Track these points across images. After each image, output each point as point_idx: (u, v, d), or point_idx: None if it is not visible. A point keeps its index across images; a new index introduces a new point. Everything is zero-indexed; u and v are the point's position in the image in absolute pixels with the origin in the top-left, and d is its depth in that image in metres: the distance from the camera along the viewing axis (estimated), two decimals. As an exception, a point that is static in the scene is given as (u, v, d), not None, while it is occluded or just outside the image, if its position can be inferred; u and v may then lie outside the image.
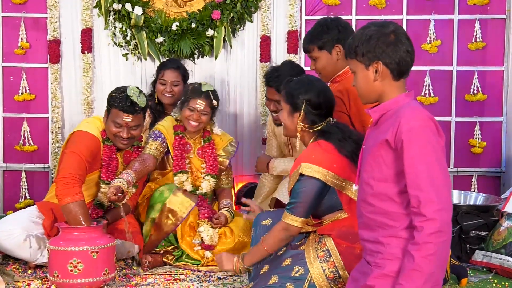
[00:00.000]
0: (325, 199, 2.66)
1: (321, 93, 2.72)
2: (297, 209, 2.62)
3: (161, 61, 4.36)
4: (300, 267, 2.65)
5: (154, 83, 4.07)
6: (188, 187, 3.52)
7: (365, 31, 2.16)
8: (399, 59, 2.12)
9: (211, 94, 3.50)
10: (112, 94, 3.28)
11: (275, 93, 3.50)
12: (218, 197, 3.72)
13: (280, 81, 3.45)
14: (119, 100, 3.20)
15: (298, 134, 2.72)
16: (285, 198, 3.45)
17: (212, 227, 3.43)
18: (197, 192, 3.56)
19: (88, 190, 3.31)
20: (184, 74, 4.04)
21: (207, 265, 3.37)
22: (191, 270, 3.31)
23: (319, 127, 2.71)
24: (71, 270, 2.82)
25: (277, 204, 3.42)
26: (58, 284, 2.88)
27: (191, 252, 3.36)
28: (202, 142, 3.61)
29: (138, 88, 3.32)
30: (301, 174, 2.61)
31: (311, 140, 2.73)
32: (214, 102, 3.49)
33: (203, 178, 3.58)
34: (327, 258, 2.63)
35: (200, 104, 3.47)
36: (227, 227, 3.48)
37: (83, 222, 2.98)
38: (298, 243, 2.78)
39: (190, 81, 4.56)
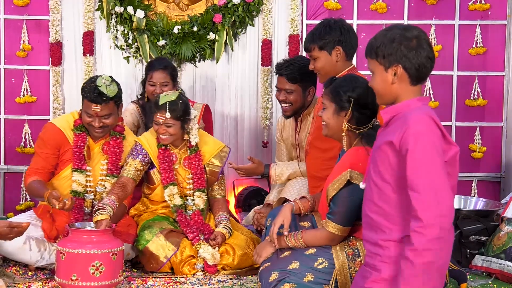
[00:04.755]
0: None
1: (369, 91, 2.58)
2: (342, 217, 2.58)
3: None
4: (324, 260, 2.62)
5: (143, 82, 4.03)
6: (178, 200, 3.44)
7: (388, 33, 2.16)
8: (419, 65, 2.13)
9: (167, 106, 3.33)
10: (83, 84, 3.38)
11: (286, 82, 3.55)
12: (212, 209, 3.62)
13: (291, 69, 3.51)
14: (88, 90, 3.29)
15: (343, 134, 2.63)
16: (293, 198, 3.45)
17: (212, 246, 3.33)
18: (187, 204, 3.47)
19: (68, 189, 3.37)
20: (172, 73, 3.97)
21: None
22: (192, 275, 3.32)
23: (366, 129, 2.62)
24: (93, 273, 2.79)
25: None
26: None
27: (190, 275, 3.29)
28: (189, 152, 3.50)
29: (111, 77, 3.36)
30: (349, 182, 2.55)
31: (355, 142, 2.64)
32: (168, 114, 3.33)
33: (193, 195, 3.49)
34: (356, 258, 2.60)
35: (160, 117, 3.35)
36: (227, 244, 3.37)
37: (42, 190, 3.17)
38: None
39: (189, 83, 4.59)
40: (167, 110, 3.33)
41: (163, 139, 3.40)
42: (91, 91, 3.28)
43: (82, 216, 3.34)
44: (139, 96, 4.11)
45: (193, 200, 3.49)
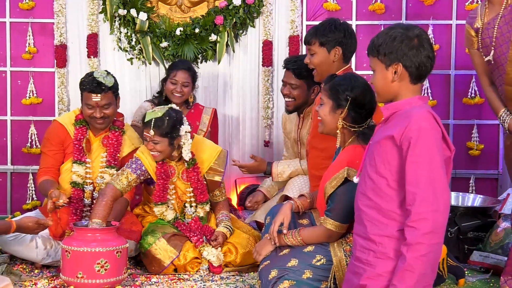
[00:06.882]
0: None
1: (367, 92, 2.65)
2: (340, 214, 2.61)
3: (165, 65, 4.47)
4: (322, 256, 2.65)
5: (164, 81, 4.16)
6: (170, 216, 3.42)
7: (390, 31, 2.19)
8: (419, 64, 2.17)
9: (151, 123, 3.21)
10: (81, 80, 3.49)
11: (292, 77, 3.62)
12: (214, 209, 3.60)
13: (298, 65, 3.57)
14: (87, 83, 3.42)
15: (338, 131, 2.67)
16: (294, 195, 3.48)
17: (214, 246, 3.34)
18: (186, 213, 3.46)
19: (69, 182, 3.48)
20: (193, 76, 4.14)
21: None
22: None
23: (361, 128, 2.67)
24: (98, 270, 2.84)
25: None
26: (81, 285, 2.87)
27: (193, 272, 3.31)
28: (186, 165, 3.39)
29: (106, 71, 3.49)
30: (347, 179, 2.59)
31: (350, 140, 2.68)
32: (152, 132, 3.21)
33: (196, 207, 3.44)
34: None
35: (147, 134, 3.25)
36: (229, 243, 3.38)
37: (49, 189, 3.26)
38: None
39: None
40: (151, 127, 3.21)
41: (153, 155, 3.30)
42: (89, 82, 3.40)
43: (81, 207, 3.43)
44: (156, 95, 4.23)
45: (194, 208, 3.46)
